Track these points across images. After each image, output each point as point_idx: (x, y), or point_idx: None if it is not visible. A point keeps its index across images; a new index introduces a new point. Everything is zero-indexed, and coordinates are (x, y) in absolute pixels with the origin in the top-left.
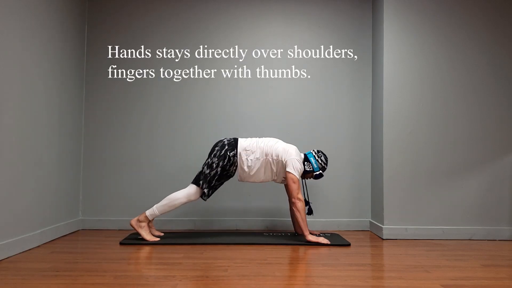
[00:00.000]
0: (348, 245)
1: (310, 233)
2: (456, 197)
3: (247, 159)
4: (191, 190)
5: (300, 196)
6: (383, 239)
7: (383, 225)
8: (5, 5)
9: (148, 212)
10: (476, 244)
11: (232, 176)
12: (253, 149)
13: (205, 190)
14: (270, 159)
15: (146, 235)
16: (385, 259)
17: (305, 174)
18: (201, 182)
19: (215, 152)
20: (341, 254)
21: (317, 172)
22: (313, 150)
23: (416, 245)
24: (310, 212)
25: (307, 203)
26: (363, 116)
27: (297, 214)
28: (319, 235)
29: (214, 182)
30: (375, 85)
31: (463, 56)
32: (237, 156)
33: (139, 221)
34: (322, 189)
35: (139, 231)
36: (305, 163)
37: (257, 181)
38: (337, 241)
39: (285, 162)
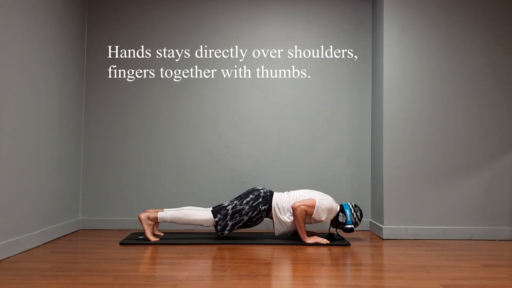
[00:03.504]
0: (348, 245)
1: (311, 234)
2: (456, 197)
3: (284, 218)
4: (209, 217)
5: (303, 207)
6: (383, 239)
7: (383, 225)
8: (5, 5)
9: (160, 214)
10: (476, 244)
11: (251, 227)
12: (287, 205)
13: (226, 232)
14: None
15: (149, 234)
16: (385, 259)
17: (337, 225)
18: (218, 216)
19: (248, 199)
20: (341, 254)
21: (349, 226)
22: (350, 203)
23: (416, 245)
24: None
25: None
26: (363, 116)
27: (295, 220)
28: (318, 235)
29: (236, 227)
30: (375, 85)
31: (463, 56)
32: (266, 211)
33: (149, 218)
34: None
35: (144, 227)
36: (340, 214)
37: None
38: (336, 241)
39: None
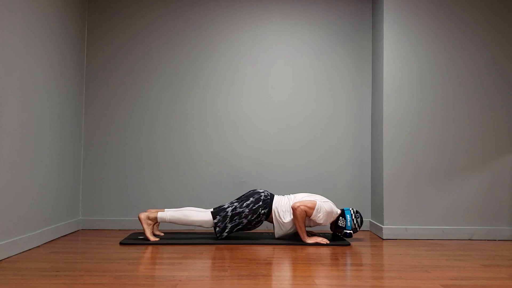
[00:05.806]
0: (348, 245)
1: (311, 235)
2: (456, 197)
3: (283, 222)
4: (209, 219)
5: (303, 207)
6: (383, 239)
7: (383, 225)
8: (5, 5)
9: (159, 214)
10: (476, 244)
11: (250, 230)
12: (287, 208)
13: (224, 234)
14: None
15: (149, 234)
16: (385, 259)
17: (336, 229)
18: (217, 218)
19: (248, 202)
20: (341, 254)
21: (348, 231)
22: (352, 209)
23: (416, 245)
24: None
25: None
26: (363, 116)
27: (295, 220)
28: (318, 235)
29: (235, 230)
30: (375, 85)
31: (463, 56)
32: (266, 215)
33: (148, 218)
34: (322, 189)
35: (144, 226)
36: (340, 218)
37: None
38: (337, 241)
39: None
